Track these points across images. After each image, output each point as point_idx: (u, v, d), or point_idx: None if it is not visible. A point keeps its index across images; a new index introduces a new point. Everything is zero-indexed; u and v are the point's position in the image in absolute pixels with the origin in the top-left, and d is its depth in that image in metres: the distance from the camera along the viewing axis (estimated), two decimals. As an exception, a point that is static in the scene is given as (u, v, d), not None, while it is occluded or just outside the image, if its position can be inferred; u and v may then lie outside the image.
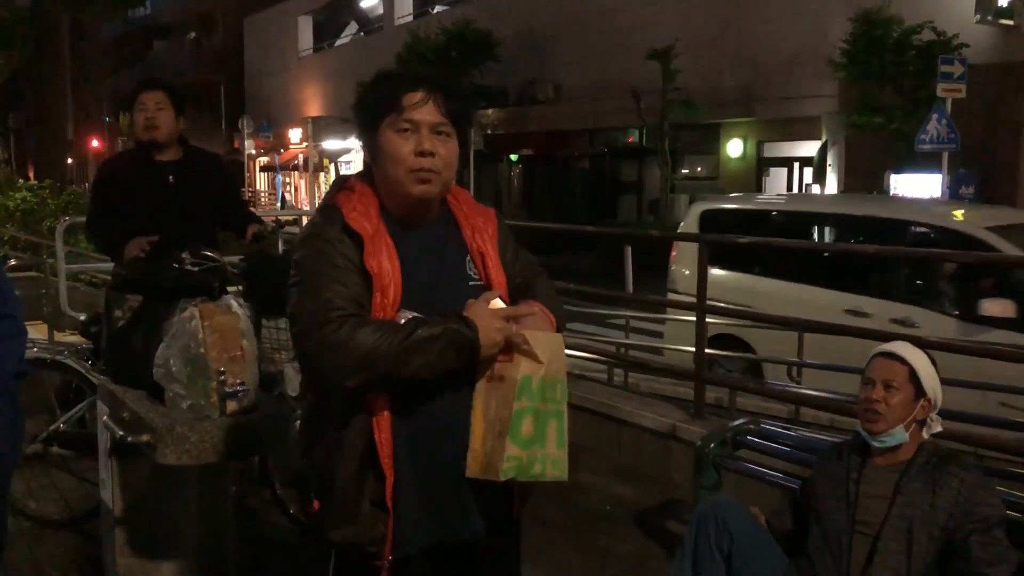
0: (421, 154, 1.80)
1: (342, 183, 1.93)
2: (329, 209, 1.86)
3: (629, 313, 7.49)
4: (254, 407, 2.62)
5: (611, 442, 4.91)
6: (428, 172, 1.81)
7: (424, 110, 1.80)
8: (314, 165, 30.25)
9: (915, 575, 2.27)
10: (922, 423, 2.43)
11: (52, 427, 3.93)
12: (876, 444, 2.41)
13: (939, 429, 2.48)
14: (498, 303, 1.79)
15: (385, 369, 1.70)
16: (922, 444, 2.42)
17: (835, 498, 2.45)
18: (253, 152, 33.62)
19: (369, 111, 1.85)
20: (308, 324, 1.73)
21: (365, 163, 1.94)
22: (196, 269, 2.87)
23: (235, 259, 3.25)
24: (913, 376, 2.41)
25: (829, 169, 15.54)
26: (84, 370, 3.75)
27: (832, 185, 15.34)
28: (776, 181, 18.58)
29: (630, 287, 6.53)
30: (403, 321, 1.75)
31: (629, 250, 6.50)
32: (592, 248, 18.38)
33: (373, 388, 1.74)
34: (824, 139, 15.81)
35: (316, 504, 1.86)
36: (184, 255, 3.20)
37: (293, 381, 3.22)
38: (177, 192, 3.73)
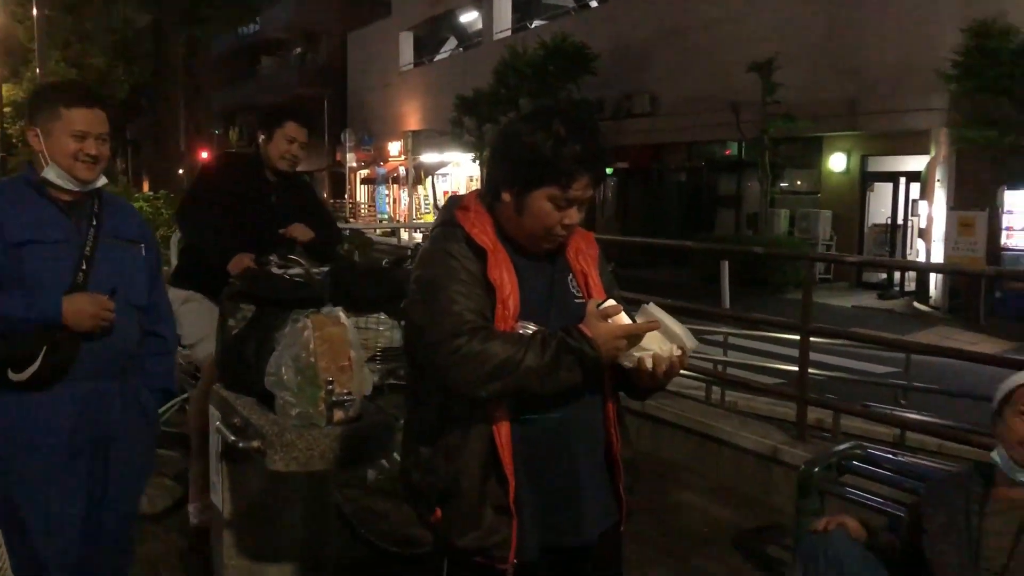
0: (565, 227, 1.90)
1: (457, 202, 2.00)
2: (450, 225, 1.94)
3: (727, 330, 7.36)
4: (359, 416, 2.69)
5: (710, 462, 4.83)
6: (564, 238, 1.94)
7: (584, 190, 1.88)
8: (412, 178, 30.86)
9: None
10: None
11: None
12: (1022, 477, 2.29)
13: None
14: (623, 318, 1.82)
15: (515, 381, 1.77)
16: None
17: (954, 532, 2.34)
18: (354, 164, 34.44)
19: (528, 172, 1.86)
20: (440, 336, 1.80)
21: (485, 186, 1.99)
22: (301, 280, 2.97)
23: (322, 268, 3.36)
24: None
25: (938, 184, 14.95)
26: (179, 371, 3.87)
27: (940, 201, 14.75)
28: (881, 196, 17.97)
29: (727, 302, 6.43)
30: (521, 332, 1.82)
31: (726, 265, 6.40)
32: (688, 263, 18.16)
33: (501, 397, 1.81)
34: (932, 153, 15.24)
35: (438, 512, 1.91)
36: (272, 258, 3.38)
37: None
38: (278, 212, 3.83)
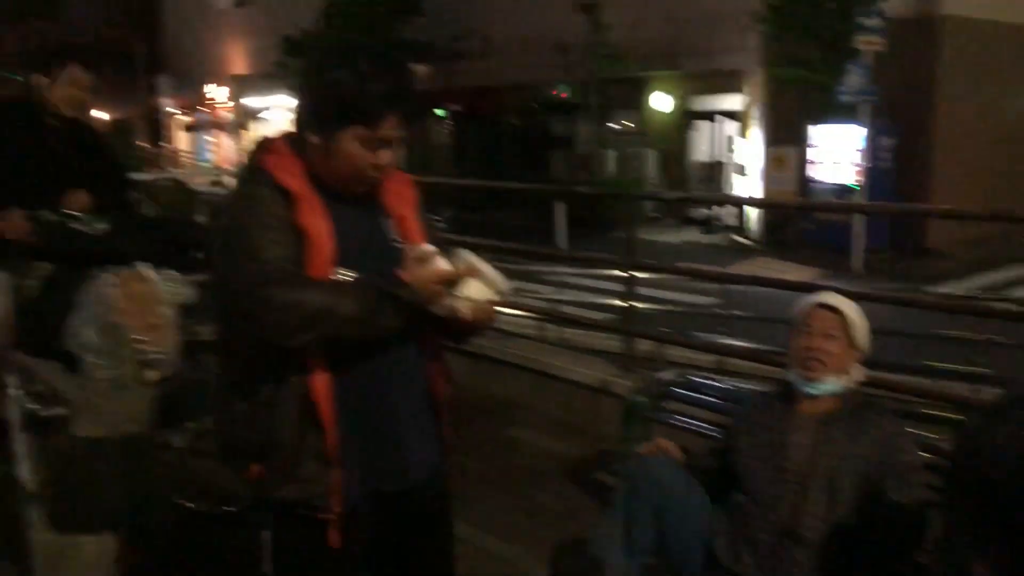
0: (378, 168, 1.83)
1: (264, 146, 1.90)
2: (255, 170, 1.84)
3: (563, 269, 7.52)
4: (176, 374, 2.56)
5: (543, 398, 4.95)
6: (377, 179, 1.87)
7: (394, 129, 1.80)
8: (237, 123, 29.49)
9: (839, 522, 2.34)
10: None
11: None
12: (811, 391, 2.45)
13: (861, 378, 2.55)
14: (441, 262, 1.79)
15: (332, 329, 1.72)
16: (844, 393, 2.49)
17: (762, 447, 2.50)
18: (173, 110, 32.56)
19: (334, 111, 1.78)
20: (250, 284, 1.72)
21: (295, 128, 1.89)
22: (101, 234, 2.80)
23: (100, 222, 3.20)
24: (848, 326, 2.47)
25: (754, 123, 15.74)
26: None
27: (756, 138, 15.56)
28: (701, 135, 18.77)
29: (562, 243, 6.54)
30: (340, 280, 1.76)
31: (561, 207, 6.49)
32: (523, 204, 18.37)
33: (312, 346, 1.75)
34: (746, 93, 16.00)
35: (256, 467, 1.84)
36: (43, 212, 3.18)
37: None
38: (59, 159, 3.54)
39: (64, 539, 2.75)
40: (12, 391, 2.75)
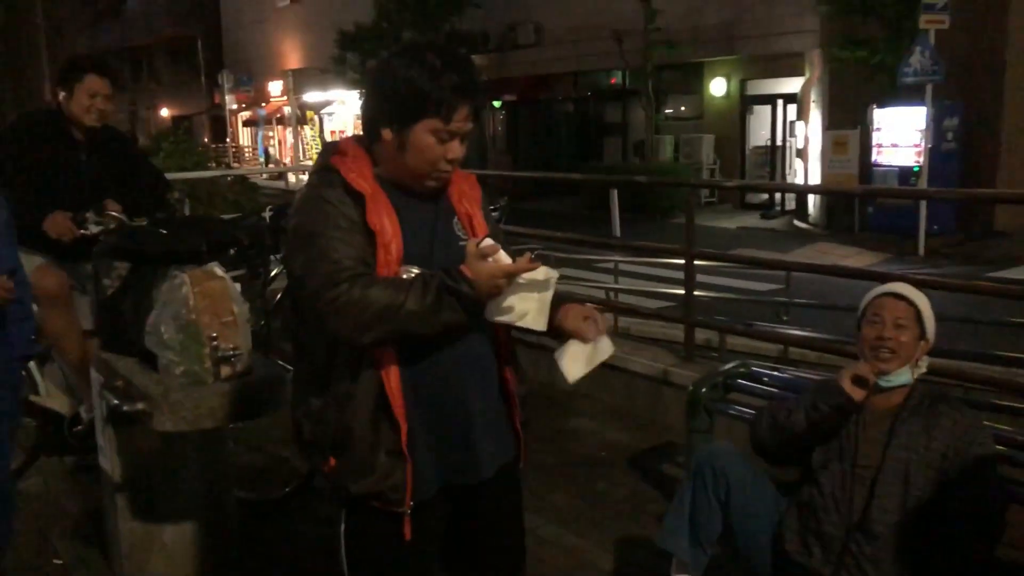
0: (449, 161, 1.87)
1: (333, 147, 1.95)
2: (326, 171, 1.89)
3: (618, 258, 7.48)
4: (249, 370, 2.64)
5: (604, 388, 4.95)
6: (449, 173, 1.91)
7: (466, 122, 1.85)
8: (296, 118, 29.88)
9: (912, 516, 2.31)
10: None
11: None
12: (883, 384, 2.42)
13: (926, 368, 2.51)
14: (503, 257, 1.81)
15: (397, 325, 1.76)
16: (914, 385, 2.45)
17: (834, 442, 2.46)
18: (234, 107, 33.12)
19: (407, 105, 1.82)
20: (321, 284, 1.77)
21: (363, 128, 1.94)
22: (164, 232, 2.94)
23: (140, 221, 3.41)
24: (918, 316, 2.44)
25: (813, 105, 15.44)
26: None
27: (816, 121, 15.26)
28: (760, 119, 18.48)
29: (617, 231, 6.52)
30: (406, 277, 1.79)
31: (615, 194, 6.46)
32: (578, 192, 18.32)
33: (384, 342, 1.80)
34: (807, 75, 15.69)
35: (332, 461, 1.90)
36: (88, 215, 3.41)
37: None
38: (89, 170, 3.69)
39: (147, 527, 2.86)
40: (96, 386, 2.86)
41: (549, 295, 1.85)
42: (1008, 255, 11.02)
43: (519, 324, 1.84)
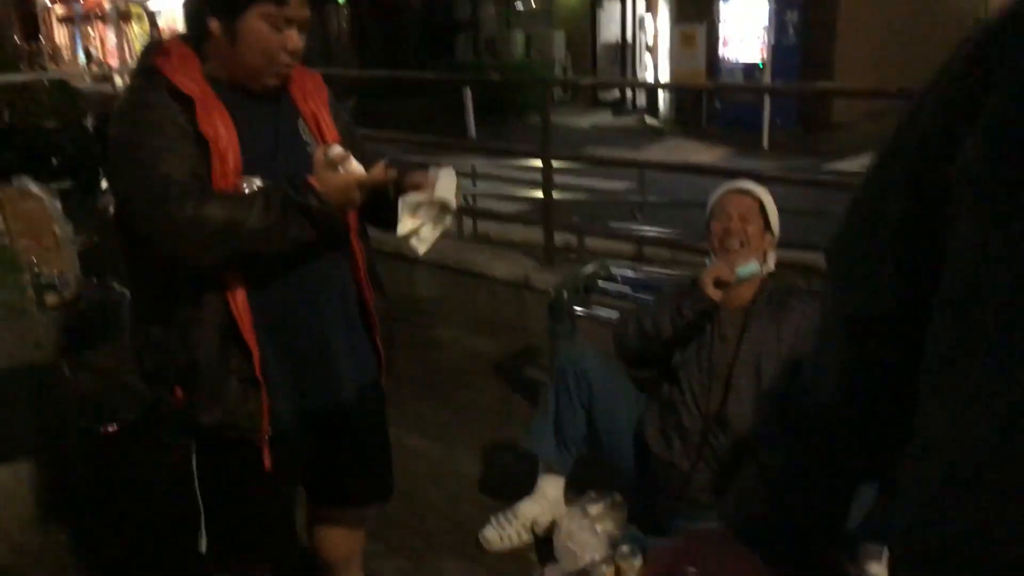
0: (289, 52, 1.70)
1: (155, 47, 1.73)
2: (148, 74, 1.67)
3: (475, 160, 7.36)
4: (79, 297, 2.42)
5: (466, 296, 4.92)
6: (289, 67, 1.73)
7: (303, 7, 1.68)
8: (117, 12, 27.54)
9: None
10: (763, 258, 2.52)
11: None
12: (739, 274, 2.46)
13: (773, 265, 2.57)
14: (354, 165, 1.68)
15: (240, 245, 1.61)
16: (765, 280, 2.51)
17: (691, 340, 2.50)
18: (48, 2, 30.25)
19: None
20: (147, 202, 1.59)
21: (186, 23, 1.73)
22: None
23: None
24: (762, 210, 2.49)
25: (661, 0, 15.52)
26: None
27: (664, 15, 15.36)
28: (609, 13, 18.45)
29: (472, 131, 6.39)
30: (247, 190, 1.64)
31: (469, 93, 6.30)
32: (431, 92, 17.89)
33: (226, 263, 1.65)
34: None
35: (179, 391, 1.75)
36: None
37: None
38: None
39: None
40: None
41: (448, 220, 1.75)
42: (846, 145, 11.58)
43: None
